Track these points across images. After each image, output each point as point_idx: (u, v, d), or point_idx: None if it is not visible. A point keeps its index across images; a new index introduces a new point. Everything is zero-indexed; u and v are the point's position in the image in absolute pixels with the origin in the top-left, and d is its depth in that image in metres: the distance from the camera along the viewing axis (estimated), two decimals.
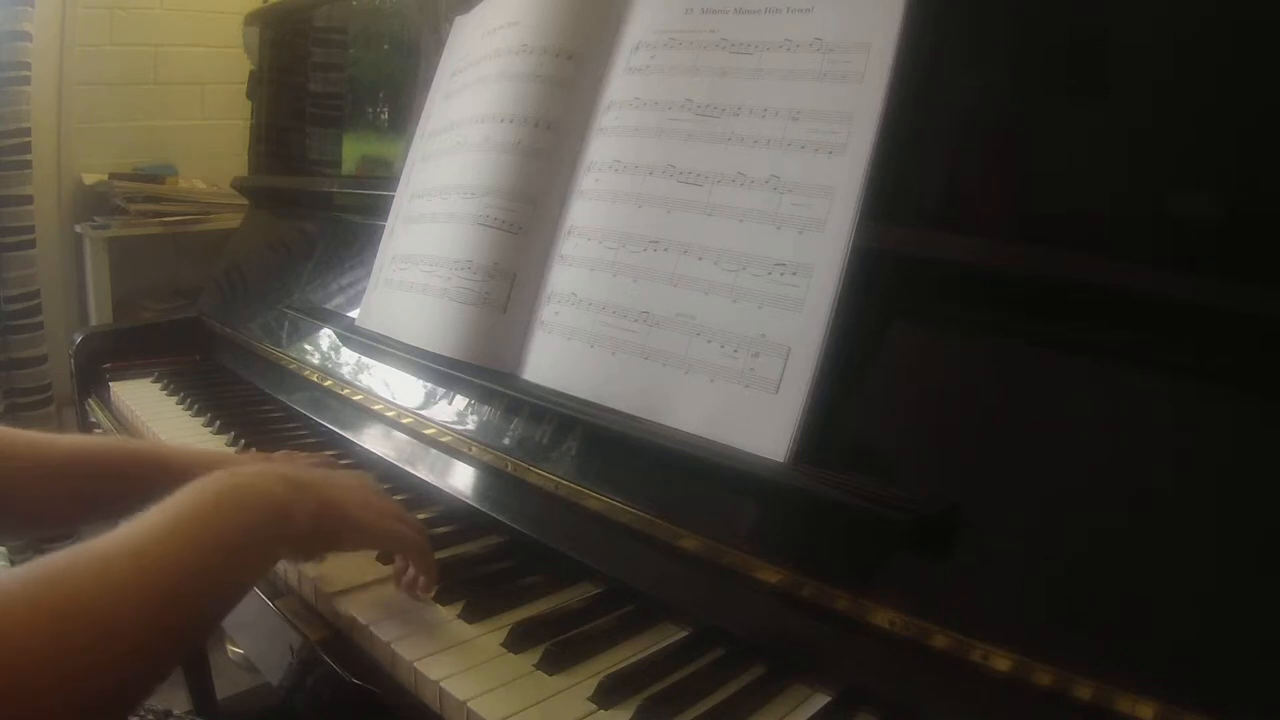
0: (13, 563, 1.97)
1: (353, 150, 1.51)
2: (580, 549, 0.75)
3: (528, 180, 0.87)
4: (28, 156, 1.85)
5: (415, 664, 0.63)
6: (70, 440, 0.81)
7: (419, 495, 0.93)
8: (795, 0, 0.73)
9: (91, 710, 0.45)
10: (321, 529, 0.64)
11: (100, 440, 0.89)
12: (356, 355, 1.11)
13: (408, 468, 0.94)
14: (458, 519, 0.87)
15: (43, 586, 0.46)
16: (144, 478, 0.82)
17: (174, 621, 0.51)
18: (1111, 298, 0.57)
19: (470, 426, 0.90)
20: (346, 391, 1.08)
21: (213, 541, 0.54)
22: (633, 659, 0.65)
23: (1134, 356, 0.56)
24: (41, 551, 1.89)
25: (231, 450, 1.08)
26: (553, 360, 0.82)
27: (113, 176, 2.01)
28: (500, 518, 0.82)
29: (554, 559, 0.77)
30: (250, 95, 1.68)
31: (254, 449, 1.06)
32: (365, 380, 1.07)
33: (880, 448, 0.65)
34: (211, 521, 0.55)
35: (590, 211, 0.82)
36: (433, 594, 0.70)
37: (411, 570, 0.71)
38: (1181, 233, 0.59)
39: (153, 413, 1.23)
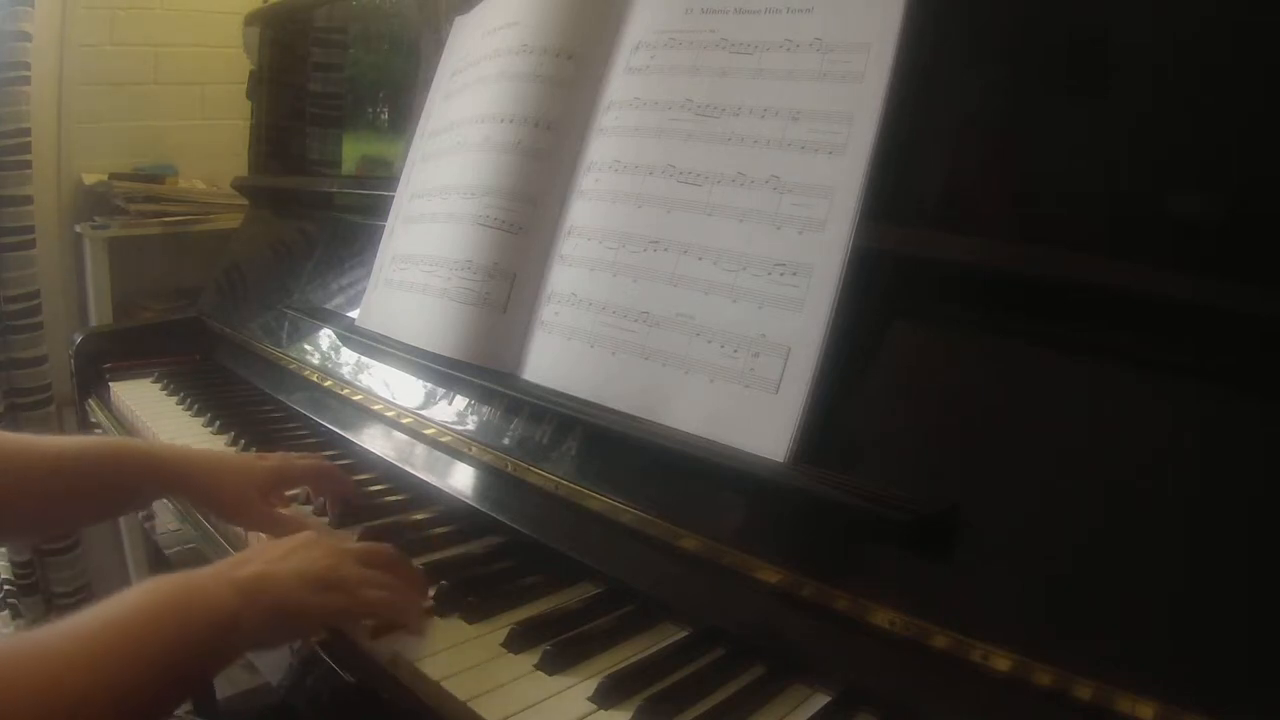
0: (12, 564, 1.97)
1: (353, 150, 1.51)
2: (580, 549, 0.75)
3: (528, 180, 0.87)
4: (28, 156, 1.85)
5: (415, 664, 0.63)
6: (59, 442, 0.81)
7: (419, 495, 0.93)
8: (795, 0, 0.73)
9: None
10: (280, 628, 0.63)
11: (88, 440, 0.89)
12: (356, 355, 1.11)
13: (408, 468, 0.94)
14: (458, 519, 0.87)
15: None
16: (136, 476, 0.82)
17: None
18: (1111, 298, 0.57)
19: (470, 426, 0.90)
20: (346, 391, 1.08)
21: (153, 654, 0.54)
22: (633, 659, 0.65)
23: (1134, 356, 0.56)
24: (40, 551, 1.88)
25: (232, 450, 1.08)
26: (553, 360, 0.82)
27: (113, 176, 2.01)
28: (500, 518, 0.82)
29: (554, 559, 0.77)
30: (250, 95, 1.68)
31: (254, 449, 1.06)
32: (365, 380, 1.07)
33: (880, 448, 0.65)
34: (154, 632, 0.54)
35: (590, 211, 0.82)
36: (422, 634, 0.67)
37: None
38: (1181, 233, 0.59)
39: (153, 413, 1.23)
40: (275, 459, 0.87)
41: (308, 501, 0.93)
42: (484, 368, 0.86)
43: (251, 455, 0.89)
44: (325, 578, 0.64)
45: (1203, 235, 0.58)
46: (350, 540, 0.72)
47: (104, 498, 0.83)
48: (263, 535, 0.83)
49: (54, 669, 0.50)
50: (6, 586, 2.02)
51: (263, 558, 0.64)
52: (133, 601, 0.56)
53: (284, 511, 0.85)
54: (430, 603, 0.71)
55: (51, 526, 0.89)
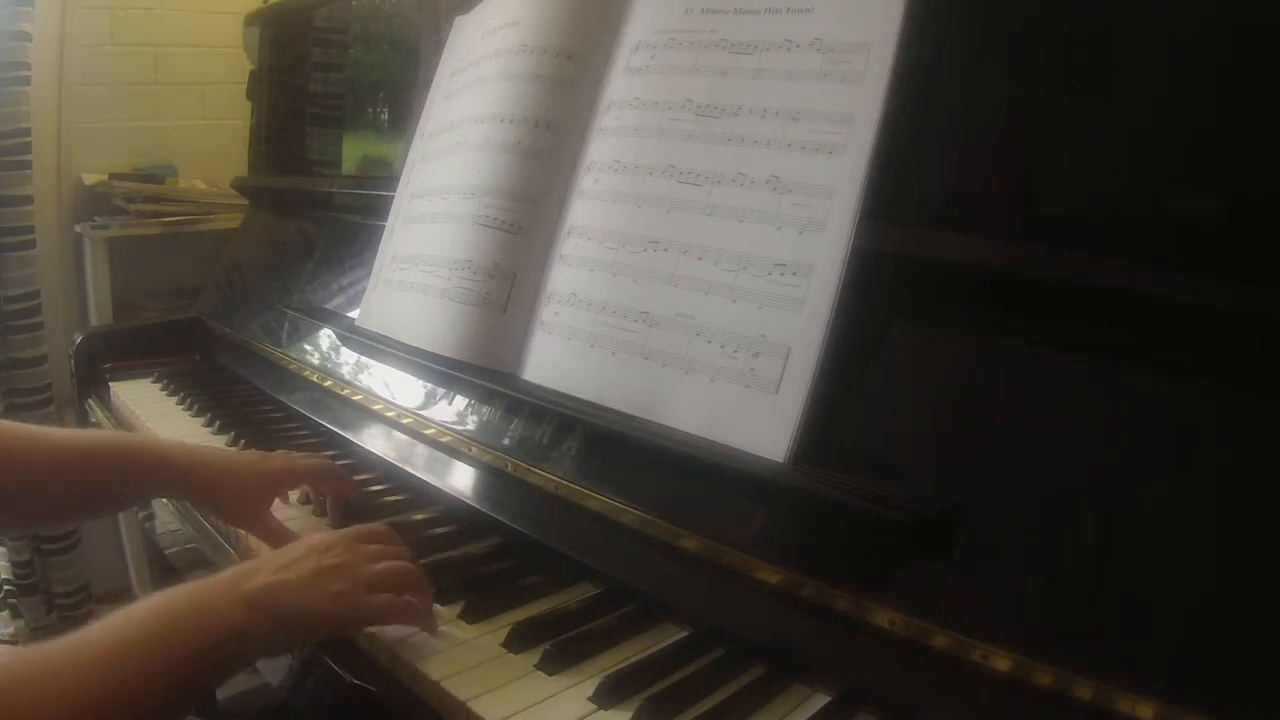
0: (12, 564, 1.97)
1: (353, 150, 1.51)
2: (580, 549, 0.75)
3: (528, 180, 0.87)
4: (28, 156, 1.85)
5: (415, 664, 0.63)
6: (66, 435, 0.81)
7: (419, 495, 0.93)
8: (795, 0, 0.73)
9: None
10: (289, 636, 0.64)
11: (96, 435, 0.90)
12: (356, 355, 1.11)
13: (408, 468, 0.94)
14: (458, 519, 0.87)
15: None
16: (141, 473, 0.82)
17: None
18: (1111, 298, 0.57)
19: (470, 426, 0.90)
20: (346, 391, 1.08)
21: (162, 667, 0.55)
22: (633, 659, 0.65)
23: (1134, 356, 0.56)
24: (40, 551, 1.87)
25: (232, 450, 1.08)
26: (553, 360, 0.82)
27: (113, 176, 2.01)
28: (500, 518, 0.82)
29: (554, 559, 0.77)
30: (250, 95, 1.68)
31: (254, 449, 1.06)
32: (365, 380, 1.07)
33: (880, 448, 0.65)
34: (164, 646, 0.56)
35: (590, 211, 0.82)
36: (435, 633, 0.68)
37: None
38: (1181, 233, 0.59)
39: (153, 413, 1.23)
40: (281, 460, 0.87)
41: (308, 501, 0.93)
42: (484, 368, 0.86)
43: (256, 455, 0.89)
44: (336, 585, 0.63)
45: (1203, 235, 0.58)
46: (362, 539, 0.72)
47: (108, 493, 0.83)
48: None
49: (62, 685, 0.51)
50: (6, 587, 2.02)
51: (273, 565, 0.64)
52: (140, 618, 0.56)
53: (284, 521, 0.85)
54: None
55: (54, 520, 0.90)
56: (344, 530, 0.71)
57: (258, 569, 0.64)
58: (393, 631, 0.67)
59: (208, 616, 0.58)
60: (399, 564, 0.68)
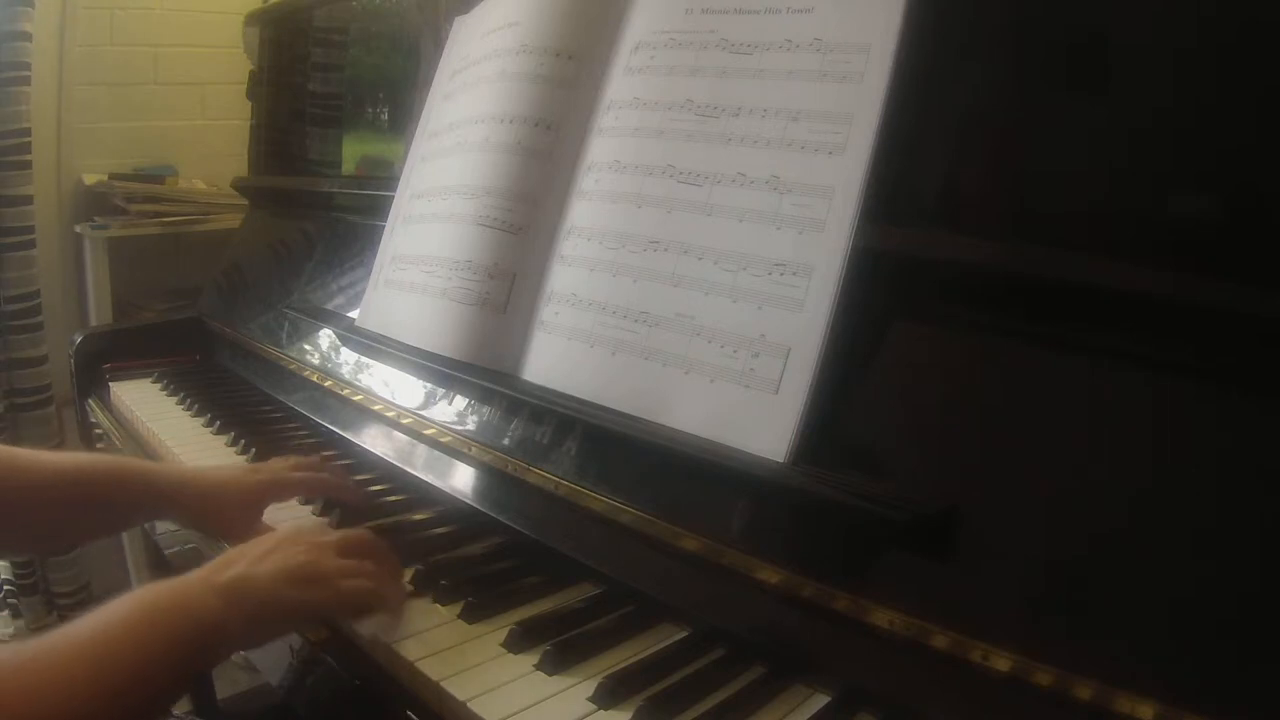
0: (12, 564, 1.97)
1: (353, 150, 1.51)
2: (580, 549, 0.75)
3: (528, 180, 0.87)
4: (28, 156, 1.85)
5: (415, 664, 0.63)
6: (62, 459, 0.82)
7: (419, 495, 0.93)
8: (795, 0, 0.73)
9: None
10: (265, 627, 0.65)
11: (91, 458, 0.90)
12: (356, 355, 1.11)
13: (407, 468, 0.94)
14: (458, 519, 0.87)
15: None
16: (132, 498, 0.83)
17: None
18: (1111, 298, 0.57)
19: (470, 427, 0.90)
20: (346, 392, 1.08)
21: (145, 660, 0.56)
22: (633, 659, 0.65)
23: (1133, 356, 0.56)
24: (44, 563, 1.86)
25: (232, 450, 1.08)
26: (553, 360, 0.82)
27: (113, 176, 2.01)
28: (500, 518, 0.82)
29: (554, 559, 0.77)
30: (250, 95, 1.68)
31: (254, 449, 1.06)
32: (365, 380, 1.07)
33: (880, 448, 0.65)
34: (145, 640, 0.57)
35: (590, 212, 0.82)
36: (400, 616, 0.69)
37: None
38: (1181, 232, 0.59)
39: (153, 413, 1.23)
40: (266, 474, 0.86)
41: (308, 501, 0.92)
42: (484, 368, 0.86)
43: (244, 469, 0.89)
44: (305, 573, 0.65)
45: (1203, 235, 0.58)
46: (329, 531, 0.73)
47: (102, 516, 0.84)
48: None
49: (43, 682, 0.51)
50: (6, 586, 2.03)
51: (245, 559, 0.65)
52: (121, 613, 0.57)
53: (286, 521, 0.85)
54: (410, 588, 0.73)
55: (49, 543, 0.91)
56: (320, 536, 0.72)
57: (232, 561, 0.65)
58: (393, 631, 0.67)
59: (185, 612, 0.59)
60: (365, 563, 0.69)
